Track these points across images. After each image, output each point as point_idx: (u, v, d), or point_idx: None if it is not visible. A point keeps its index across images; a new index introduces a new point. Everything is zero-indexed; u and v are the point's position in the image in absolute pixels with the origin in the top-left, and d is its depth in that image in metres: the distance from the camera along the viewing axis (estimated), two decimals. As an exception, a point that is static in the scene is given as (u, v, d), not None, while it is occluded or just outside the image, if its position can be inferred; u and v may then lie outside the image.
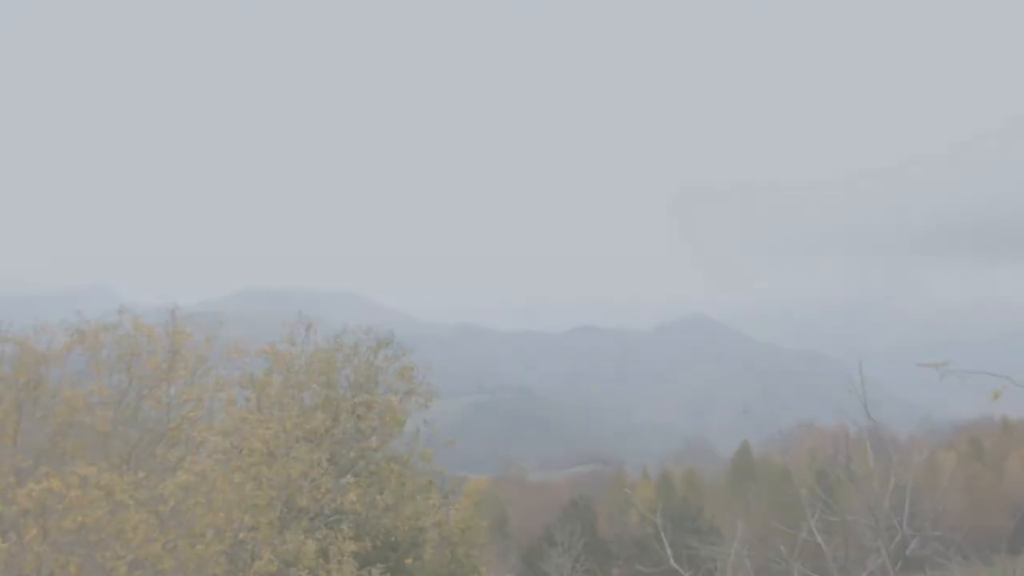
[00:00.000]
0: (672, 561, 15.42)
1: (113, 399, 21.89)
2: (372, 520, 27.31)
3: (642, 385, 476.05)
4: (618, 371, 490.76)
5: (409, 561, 28.56)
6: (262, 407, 25.74)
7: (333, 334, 30.98)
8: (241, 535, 20.47)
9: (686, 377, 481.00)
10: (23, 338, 20.72)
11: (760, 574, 16.76)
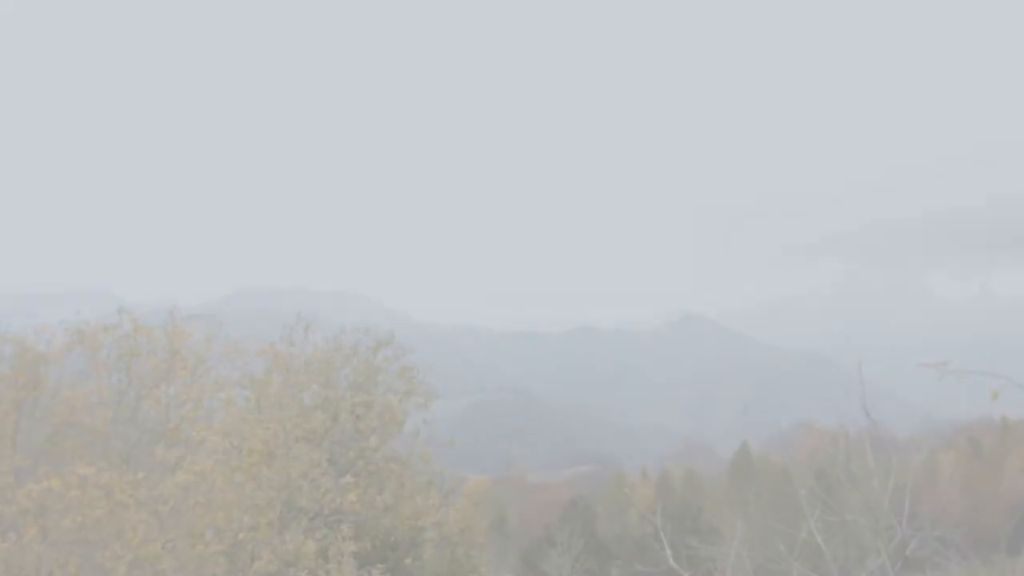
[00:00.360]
0: (672, 561, 15.41)
1: (112, 399, 21.90)
2: (372, 520, 27.31)
3: (642, 385, 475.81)
4: (618, 371, 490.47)
5: (409, 561, 28.55)
6: (261, 407, 25.76)
7: (332, 334, 30.99)
8: (241, 535, 20.47)
9: (686, 377, 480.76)
10: (22, 338, 20.73)
11: (760, 574, 16.77)
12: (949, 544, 15.46)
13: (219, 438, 21.82)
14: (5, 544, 16.69)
